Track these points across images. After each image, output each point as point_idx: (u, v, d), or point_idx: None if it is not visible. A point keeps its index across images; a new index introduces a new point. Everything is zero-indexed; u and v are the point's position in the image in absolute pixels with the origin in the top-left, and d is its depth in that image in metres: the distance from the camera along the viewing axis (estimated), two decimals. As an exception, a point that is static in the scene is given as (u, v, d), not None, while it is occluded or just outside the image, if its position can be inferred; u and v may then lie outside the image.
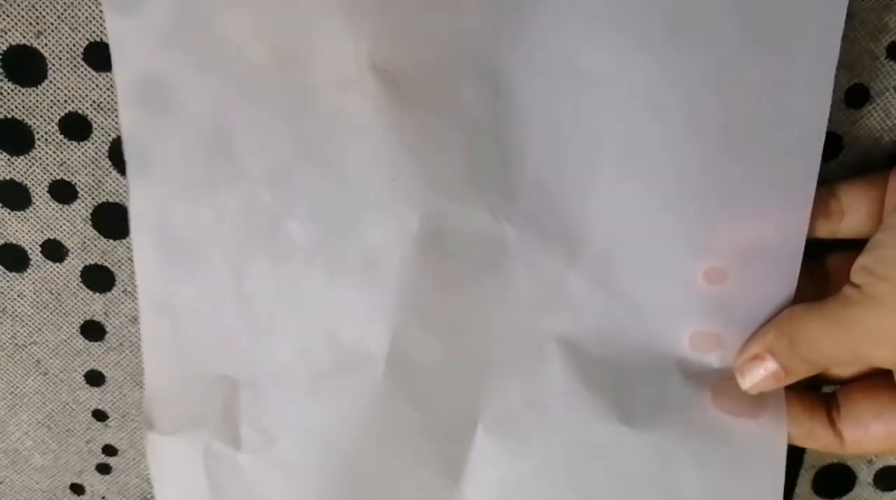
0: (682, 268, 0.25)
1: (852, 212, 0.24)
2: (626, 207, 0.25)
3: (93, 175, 0.28)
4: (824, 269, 0.26)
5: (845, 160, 0.27)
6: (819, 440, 0.26)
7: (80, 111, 0.27)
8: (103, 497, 0.35)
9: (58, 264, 0.30)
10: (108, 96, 0.27)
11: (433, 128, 0.24)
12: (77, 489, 0.35)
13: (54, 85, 0.27)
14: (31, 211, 0.29)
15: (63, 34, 0.26)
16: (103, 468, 0.35)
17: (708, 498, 0.27)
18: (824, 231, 0.25)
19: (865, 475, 0.32)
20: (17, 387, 0.33)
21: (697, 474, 0.27)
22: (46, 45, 0.26)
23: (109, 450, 0.34)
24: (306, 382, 0.28)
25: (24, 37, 0.26)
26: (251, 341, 0.28)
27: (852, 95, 0.25)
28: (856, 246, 0.25)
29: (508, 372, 0.27)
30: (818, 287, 0.25)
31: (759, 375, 0.25)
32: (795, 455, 0.31)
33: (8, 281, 0.30)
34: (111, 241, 0.29)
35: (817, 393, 0.27)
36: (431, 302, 0.26)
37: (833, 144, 0.26)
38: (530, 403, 0.27)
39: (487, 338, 0.27)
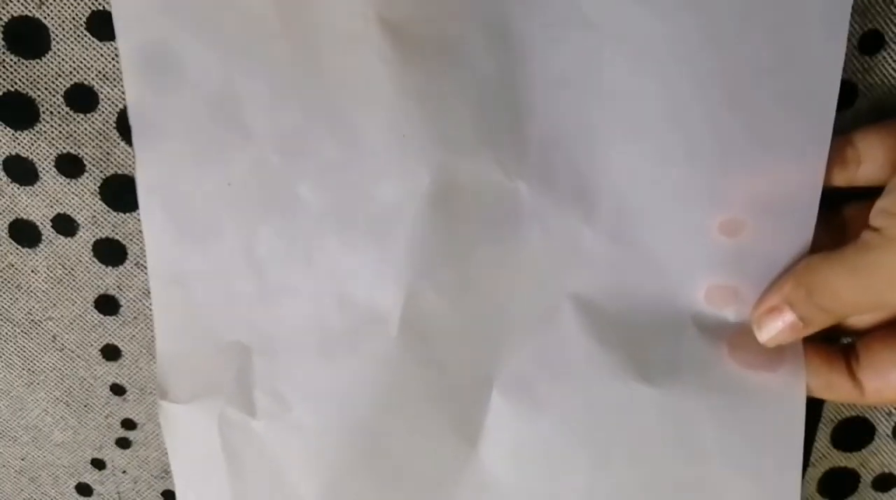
0: (697, 221, 0.25)
1: (869, 159, 0.24)
2: (640, 161, 0.25)
3: (100, 147, 0.28)
4: (840, 219, 0.26)
5: (860, 109, 0.26)
6: (838, 391, 0.25)
7: (85, 82, 0.27)
8: (124, 471, 0.36)
9: (69, 239, 0.30)
10: (114, 66, 0.27)
11: (443, 82, 0.24)
12: (98, 463, 0.36)
13: (58, 56, 0.27)
14: (39, 186, 0.29)
15: (65, 4, 0.26)
16: (123, 443, 0.35)
17: (727, 453, 0.27)
18: (841, 180, 0.25)
19: (884, 427, 0.32)
20: (34, 364, 0.33)
21: (715, 429, 0.27)
22: (49, 15, 0.26)
23: (129, 424, 0.34)
24: (320, 345, 0.28)
25: (26, 7, 0.26)
26: (263, 306, 0.28)
27: (866, 41, 0.25)
28: (872, 196, 0.24)
29: (523, 332, 0.27)
30: (834, 238, 0.25)
31: (777, 327, 0.25)
32: (814, 409, 0.31)
33: (21, 257, 0.30)
34: (121, 214, 0.29)
35: (835, 344, 0.26)
36: (444, 262, 0.26)
37: (847, 92, 0.26)
38: (546, 363, 0.27)
39: (501, 297, 0.27)
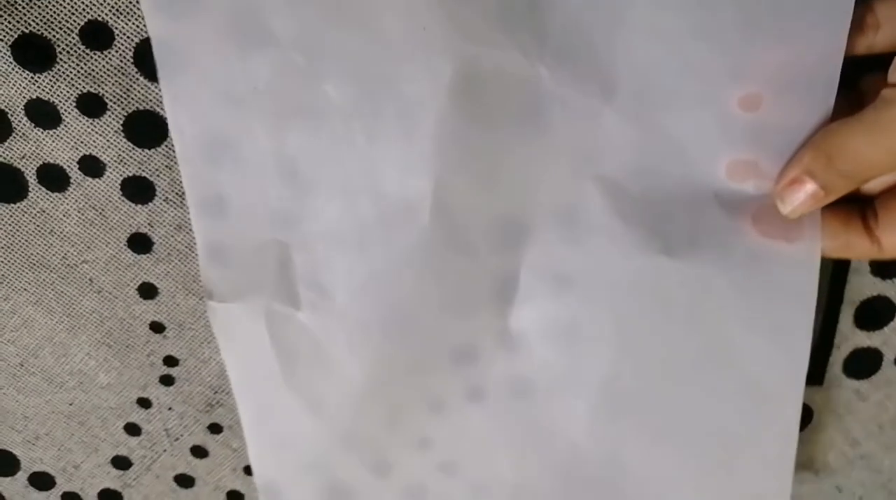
0: (717, 97, 0.25)
1: (888, 23, 0.24)
2: (659, 39, 0.25)
3: (120, 84, 0.28)
4: (857, 92, 0.26)
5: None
6: (856, 249, 0.26)
7: (99, 18, 0.27)
8: (170, 408, 0.37)
9: (97, 180, 0.30)
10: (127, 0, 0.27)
11: None
12: (144, 402, 0.37)
13: (70, -7, 0.27)
14: (62, 128, 0.29)
15: (72, -64, 0.26)
16: (166, 380, 0.36)
17: (744, 318, 0.28)
18: (861, 47, 0.25)
19: (906, 304, 0.32)
20: (74, 308, 0.34)
21: (735, 297, 0.28)
22: (58, -51, 0.26)
23: (170, 361, 0.35)
24: (356, 238, 0.29)
25: (35, -57, 0.26)
26: (298, 204, 0.29)
27: None
28: (888, 67, 0.25)
29: (548, 213, 0.28)
30: (852, 111, 0.25)
31: (799, 198, 0.25)
32: (836, 291, 0.32)
33: (52, 201, 0.31)
34: (146, 150, 0.30)
35: (853, 205, 0.27)
36: (470, 149, 0.27)
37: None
38: (571, 242, 0.28)
39: (526, 181, 0.28)
